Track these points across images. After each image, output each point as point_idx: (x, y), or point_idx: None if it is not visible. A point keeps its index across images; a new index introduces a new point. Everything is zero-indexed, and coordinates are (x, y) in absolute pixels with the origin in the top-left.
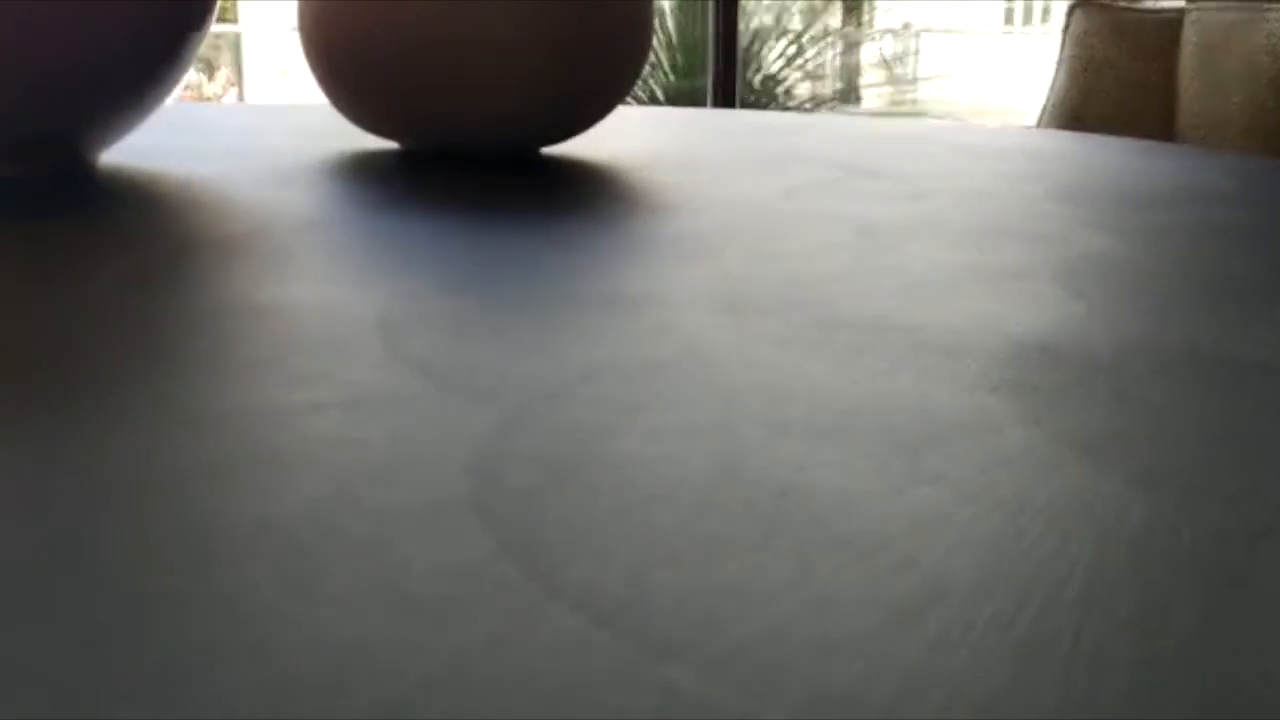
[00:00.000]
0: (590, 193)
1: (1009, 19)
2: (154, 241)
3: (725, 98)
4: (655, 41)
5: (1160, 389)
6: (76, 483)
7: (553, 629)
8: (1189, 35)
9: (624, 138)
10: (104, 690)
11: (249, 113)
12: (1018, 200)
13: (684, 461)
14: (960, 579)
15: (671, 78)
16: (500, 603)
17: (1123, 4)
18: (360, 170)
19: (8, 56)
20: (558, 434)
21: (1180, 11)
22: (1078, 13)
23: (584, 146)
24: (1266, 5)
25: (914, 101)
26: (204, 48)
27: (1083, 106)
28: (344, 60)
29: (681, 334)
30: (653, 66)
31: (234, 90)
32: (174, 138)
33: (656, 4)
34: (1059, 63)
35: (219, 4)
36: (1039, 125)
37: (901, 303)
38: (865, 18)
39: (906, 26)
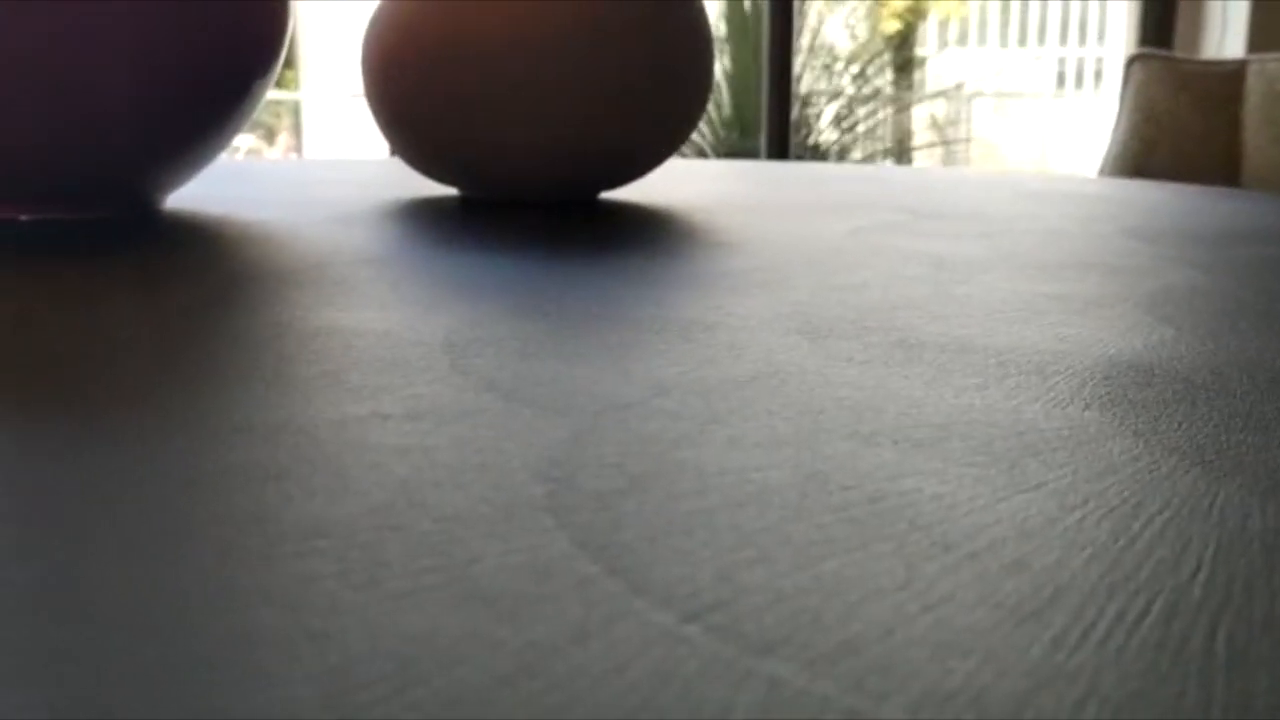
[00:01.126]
0: (651, 233)
1: (1061, 82)
2: (216, 274)
3: (780, 154)
4: (713, 105)
5: (1266, 405)
6: (143, 482)
7: (638, 624)
8: (1253, 86)
9: (680, 186)
10: (166, 680)
11: (310, 166)
12: (1090, 238)
13: (768, 470)
14: (1077, 580)
15: (723, 134)
16: (579, 598)
17: (1182, 56)
18: (420, 214)
19: (72, 100)
20: (632, 444)
21: (1242, 63)
22: (1137, 65)
23: (640, 194)
24: None
25: (966, 163)
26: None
27: (1144, 158)
28: (406, 106)
29: (756, 354)
30: (705, 124)
31: (294, 156)
32: (236, 186)
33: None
34: (1119, 115)
35: (282, 61)
36: (1100, 175)
37: (983, 327)
38: (916, 80)
39: (959, 88)
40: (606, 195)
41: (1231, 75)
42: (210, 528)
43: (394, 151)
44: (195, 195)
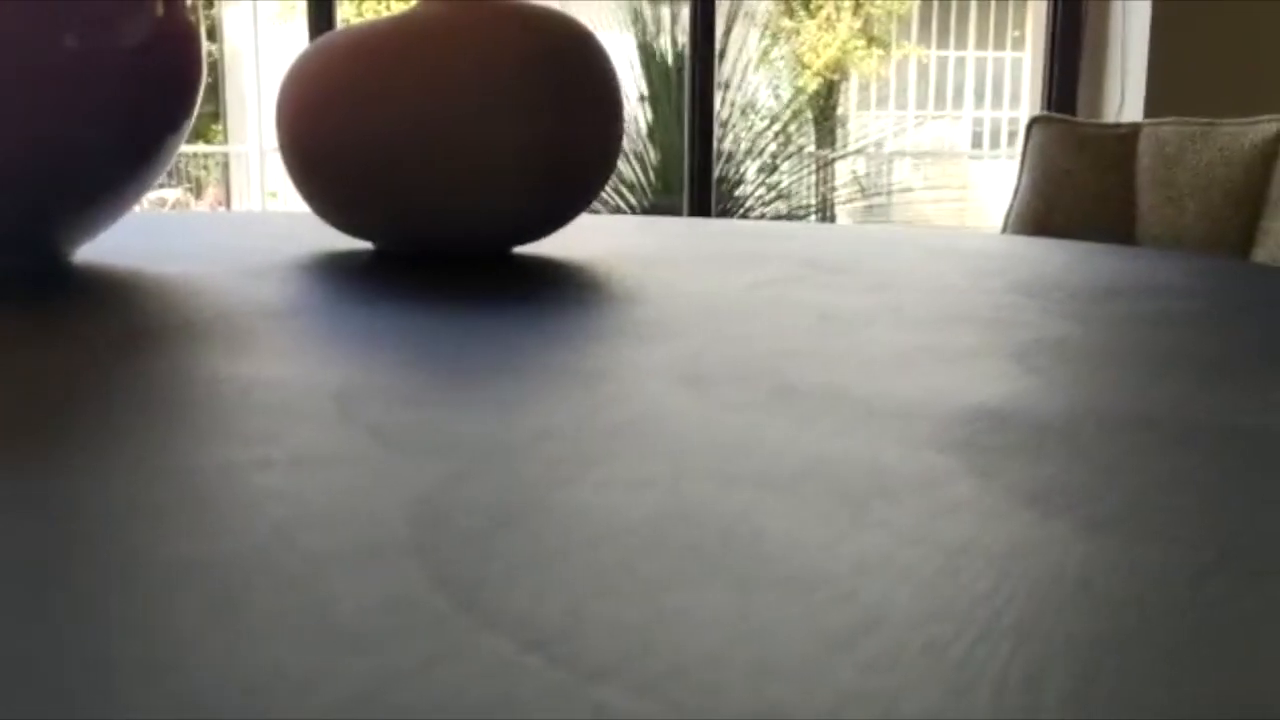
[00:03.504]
0: (558, 286)
1: (977, 142)
2: (119, 325)
3: (701, 210)
4: (636, 162)
5: (1110, 448)
6: (27, 518)
7: (483, 654)
8: (1145, 148)
9: (594, 240)
10: (29, 701)
11: (230, 219)
12: (978, 292)
13: (631, 509)
14: (896, 611)
15: (650, 196)
16: (429, 632)
17: (1079, 120)
18: (333, 267)
19: None
20: (505, 486)
21: (1136, 126)
22: (1037, 127)
23: (554, 248)
24: (1219, 120)
25: (888, 219)
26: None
27: (1045, 216)
28: (321, 163)
29: (639, 401)
30: (632, 185)
31: (222, 209)
32: (152, 239)
33: (639, 126)
34: (1020, 174)
35: (201, 122)
36: (1003, 233)
37: (857, 376)
38: (838, 140)
39: (879, 146)
40: (520, 249)
41: (1125, 138)
42: (86, 562)
43: (310, 206)
44: (109, 247)
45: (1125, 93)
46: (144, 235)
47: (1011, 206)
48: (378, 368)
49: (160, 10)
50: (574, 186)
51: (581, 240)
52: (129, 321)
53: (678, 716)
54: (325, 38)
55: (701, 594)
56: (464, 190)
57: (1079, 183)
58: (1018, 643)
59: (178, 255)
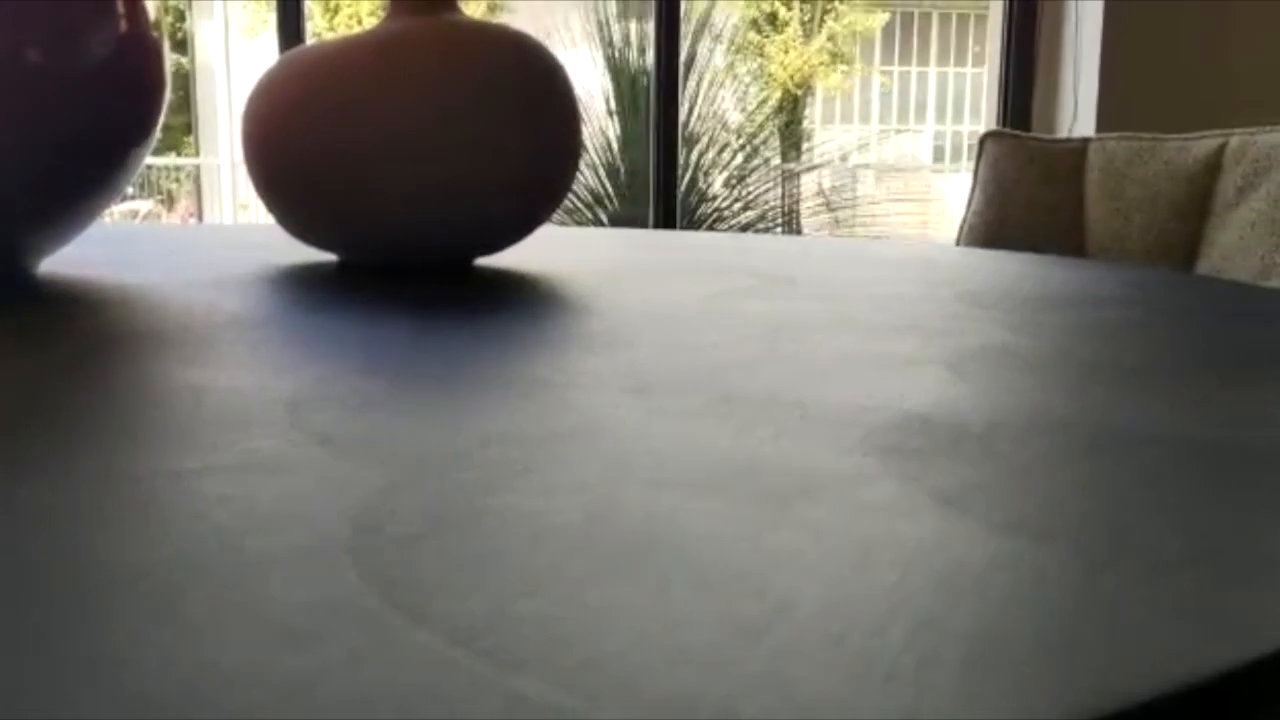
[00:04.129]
0: (517, 296)
1: (939, 156)
2: (80, 335)
3: (666, 223)
4: (605, 174)
5: (1026, 453)
6: None
7: (409, 650)
8: (1094, 162)
9: (557, 252)
10: None
11: (198, 231)
12: (925, 302)
13: (564, 513)
14: (804, 604)
15: (618, 208)
16: (360, 629)
17: (1030, 134)
18: (297, 278)
19: None
20: (446, 491)
21: (1085, 141)
22: (990, 142)
23: (517, 260)
24: (1164, 135)
25: (852, 231)
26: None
27: (997, 228)
28: (284, 176)
29: (584, 409)
30: (600, 197)
31: (193, 221)
32: (119, 250)
33: (608, 140)
34: (973, 188)
35: (173, 135)
36: (957, 244)
37: (797, 383)
38: (804, 153)
39: (844, 159)
40: (483, 261)
41: (1075, 152)
42: (34, 564)
43: (275, 217)
44: (75, 258)
45: (1078, 108)
46: (111, 246)
47: (965, 219)
48: (331, 376)
49: (123, 24)
50: (535, 199)
51: (545, 252)
52: (89, 331)
53: (590, 704)
54: (290, 54)
55: (622, 591)
56: (426, 203)
57: (1030, 196)
58: (914, 634)
59: (143, 266)
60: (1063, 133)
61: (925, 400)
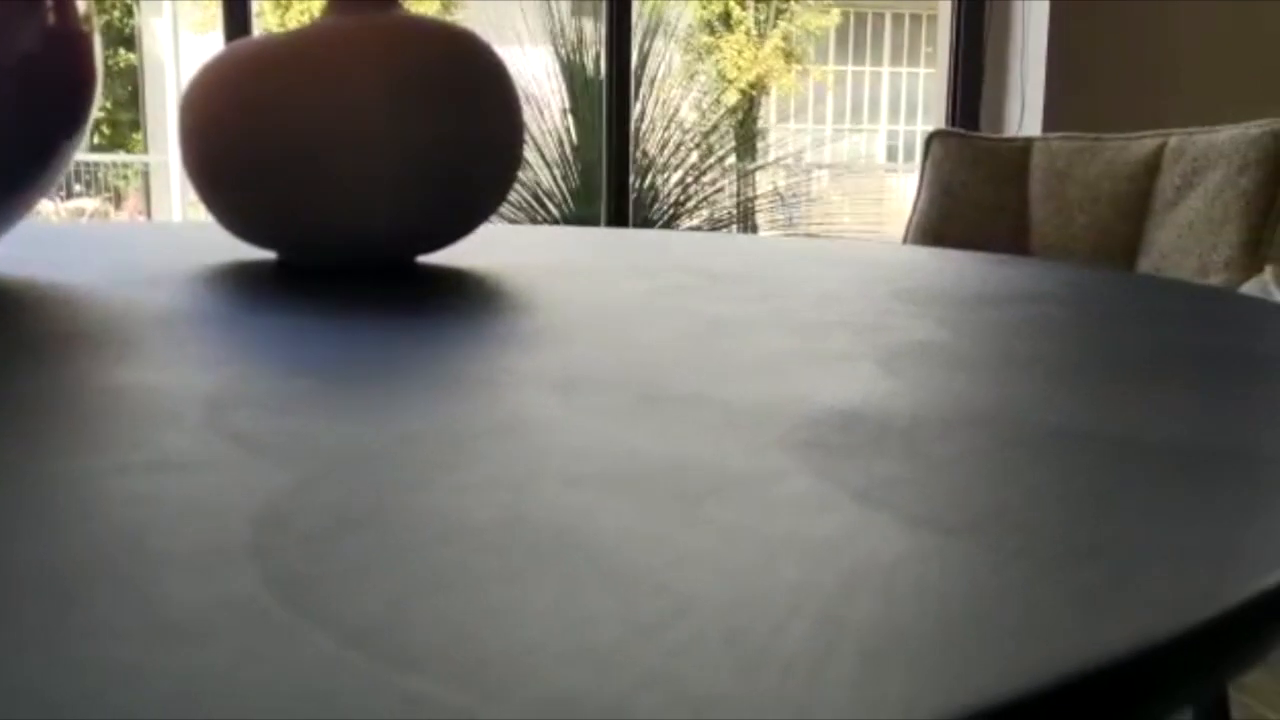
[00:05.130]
0: (457, 294)
1: (892, 155)
2: (4, 336)
3: (618, 221)
4: (559, 173)
5: (945, 448)
6: None
7: (303, 649)
8: (1037, 162)
9: (504, 250)
10: None
11: (139, 229)
12: (864, 300)
13: (477, 510)
14: (706, 600)
15: (573, 207)
16: (255, 628)
17: (976, 134)
18: (234, 277)
19: None
20: (358, 489)
21: (1028, 140)
22: (935, 141)
23: (460, 258)
24: (1105, 135)
25: (807, 229)
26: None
27: (943, 227)
28: (221, 173)
29: (510, 406)
30: (554, 196)
31: (141, 219)
32: (54, 250)
33: (561, 136)
34: (919, 187)
35: (121, 131)
36: (904, 243)
37: (726, 381)
38: (758, 152)
39: (798, 158)
40: (427, 259)
41: (1019, 152)
42: None
43: (213, 215)
44: (9, 258)
45: (1025, 107)
46: (48, 246)
47: (912, 218)
48: (257, 375)
49: (51, 17)
50: (476, 196)
51: (490, 250)
52: (14, 332)
53: (480, 703)
54: (225, 50)
55: (526, 588)
56: (364, 200)
57: (975, 195)
58: (814, 629)
59: (78, 266)
60: (1011, 133)
61: (851, 397)
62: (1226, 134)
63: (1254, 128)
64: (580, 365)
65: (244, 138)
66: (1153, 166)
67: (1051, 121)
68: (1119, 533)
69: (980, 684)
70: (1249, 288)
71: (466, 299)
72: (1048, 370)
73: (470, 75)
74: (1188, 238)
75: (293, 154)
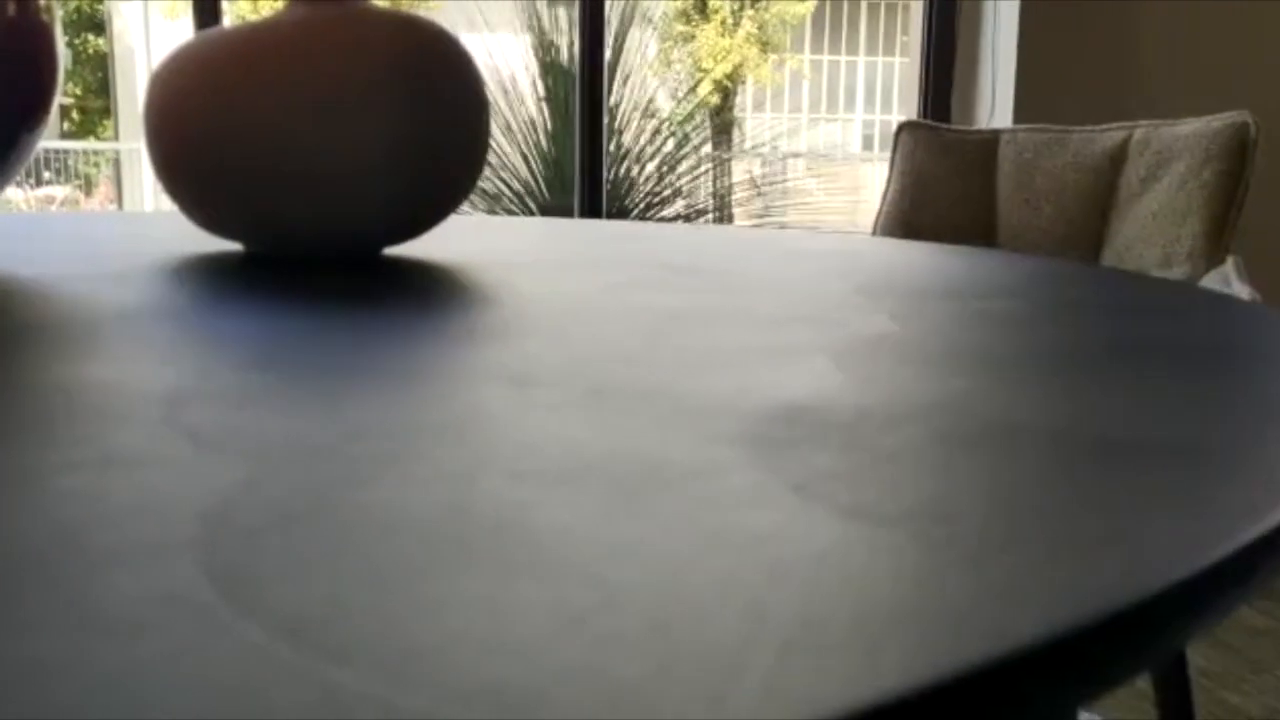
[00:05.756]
0: (420, 287)
1: (868, 145)
2: None
3: (592, 211)
4: (535, 163)
5: (886, 440)
6: None
7: (235, 642)
8: (1005, 154)
9: (472, 242)
10: None
11: (106, 220)
12: (823, 293)
13: (419, 504)
14: (637, 592)
15: (547, 197)
16: (190, 621)
17: (945, 125)
18: (199, 269)
19: None
20: (305, 485)
21: (996, 133)
22: (904, 133)
23: (425, 250)
24: (1072, 127)
25: (783, 218)
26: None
27: (913, 218)
28: (186, 165)
29: (460, 401)
30: (529, 186)
31: (113, 208)
32: (15, 242)
33: (536, 127)
34: (889, 178)
35: (92, 119)
36: (873, 234)
37: (678, 375)
38: (734, 141)
39: (774, 148)
40: (393, 251)
41: (987, 143)
42: None
43: (180, 208)
44: None
45: (996, 99)
46: (13, 237)
47: (881, 209)
48: (215, 370)
49: (11, 8)
50: (441, 188)
51: (458, 242)
52: None
53: (401, 694)
54: (191, 40)
55: (460, 581)
56: (329, 191)
57: (944, 187)
58: (736, 619)
59: (42, 258)
60: (982, 123)
61: (800, 390)
62: (1190, 127)
63: (1216, 121)
64: (534, 360)
65: (209, 130)
66: (1118, 159)
67: (1022, 114)
68: (1040, 524)
69: (889, 675)
70: (1211, 278)
71: (429, 292)
72: (995, 364)
73: (436, 69)
74: (1151, 229)
75: (257, 146)
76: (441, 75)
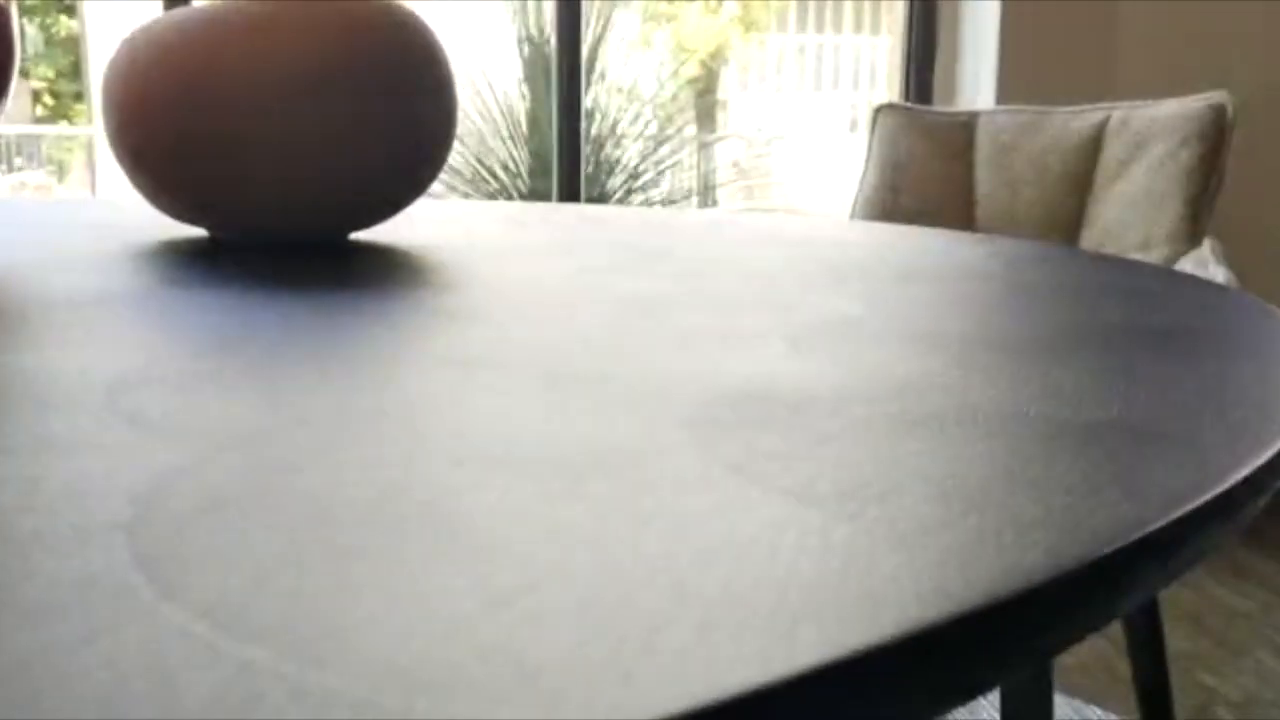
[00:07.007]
0: (384, 272)
1: (853, 127)
2: None
3: (570, 196)
4: (514, 149)
5: (832, 423)
6: None
7: (154, 624)
8: (983, 136)
9: (441, 227)
10: None
11: (73, 206)
12: (787, 277)
13: (356, 489)
14: (565, 573)
15: (527, 180)
16: (110, 604)
17: (923, 107)
18: (163, 255)
19: None
20: (242, 469)
21: (974, 114)
22: (883, 114)
23: (393, 235)
24: (1050, 109)
25: (766, 201)
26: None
27: (891, 200)
28: (147, 151)
29: (408, 385)
30: (509, 169)
31: (86, 192)
32: None
33: (515, 111)
34: (867, 160)
35: (64, 103)
36: (851, 218)
37: (633, 359)
38: (718, 123)
39: (759, 131)
40: (360, 236)
41: (965, 125)
42: None
43: (142, 194)
44: None
45: (978, 80)
46: None
47: (859, 192)
48: (164, 355)
49: None
50: (405, 173)
51: (427, 227)
52: None
53: (310, 671)
54: (151, 21)
55: (387, 563)
56: (292, 177)
57: (922, 169)
58: (659, 599)
59: (3, 244)
60: (964, 105)
61: (753, 374)
62: (1168, 108)
63: (1195, 101)
64: (490, 344)
65: (169, 113)
66: (1097, 141)
67: (1004, 96)
68: (975, 505)
69: (805, 651)
70: (1188, 261)
71: (391, 277)
72: (956, 347)
73: (401, 54)
74: (1130, 211)
75: (219, 130)
76: (407, 62)
